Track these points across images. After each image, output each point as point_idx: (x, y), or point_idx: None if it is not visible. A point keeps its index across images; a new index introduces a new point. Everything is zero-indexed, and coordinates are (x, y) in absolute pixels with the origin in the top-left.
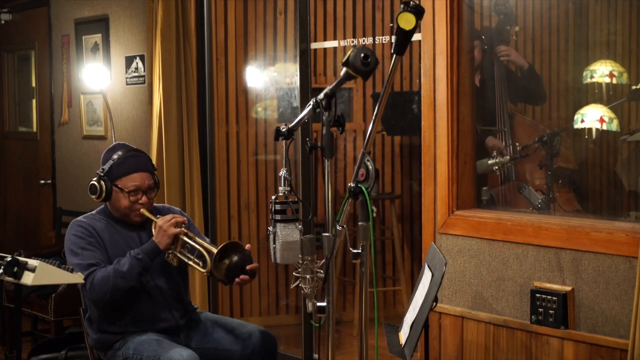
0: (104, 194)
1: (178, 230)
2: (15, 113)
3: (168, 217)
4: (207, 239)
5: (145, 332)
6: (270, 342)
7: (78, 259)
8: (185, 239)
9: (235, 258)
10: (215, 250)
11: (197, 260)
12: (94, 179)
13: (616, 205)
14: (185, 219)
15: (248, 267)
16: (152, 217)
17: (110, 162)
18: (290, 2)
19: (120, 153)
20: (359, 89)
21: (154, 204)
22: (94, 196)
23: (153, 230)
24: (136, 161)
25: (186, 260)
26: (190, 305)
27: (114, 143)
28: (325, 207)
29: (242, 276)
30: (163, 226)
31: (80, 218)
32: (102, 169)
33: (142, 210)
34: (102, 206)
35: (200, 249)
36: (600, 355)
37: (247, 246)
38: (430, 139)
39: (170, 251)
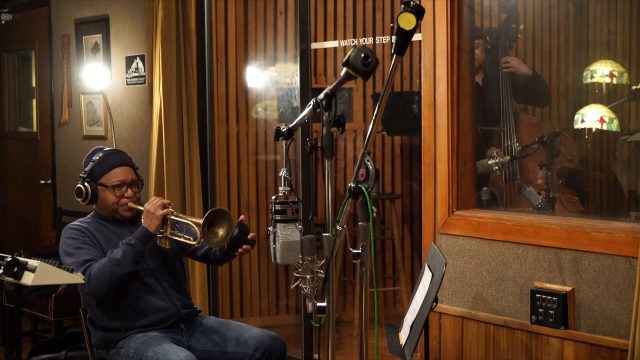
0: (89, 196)
1: (166, 211)
2: (16, 113)
3: (154, 200)
4: None
5: (148, 331)
6: (280, 346)
7: (73, 258)
8: (174, 217)
9: (236, 231)
10: (201, 220)
11: (187, 237)
12: (78, 182)
13: (616, 206)
14: (170, 201)
15: (249, 236)
16: (139, 207)
17: (91, 163)
18: (291, 2)
19: (100, 154)
20: (359, 89)
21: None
22: (80, 199)
23: (143, 221)
24: (116, 157)
25: (177, 239)
26: (190, 299)
27: (93, 148)
28: (325, 207)
29: (244, 246)
30: (150, 209)
31: (72, 223)
32: (85, 171)
33: (129, 203)
34: (93, 212)
35: (190, 222)
36: (600, 355)
37: (242, 217)
38: (431, 139)
39: (160, 235)
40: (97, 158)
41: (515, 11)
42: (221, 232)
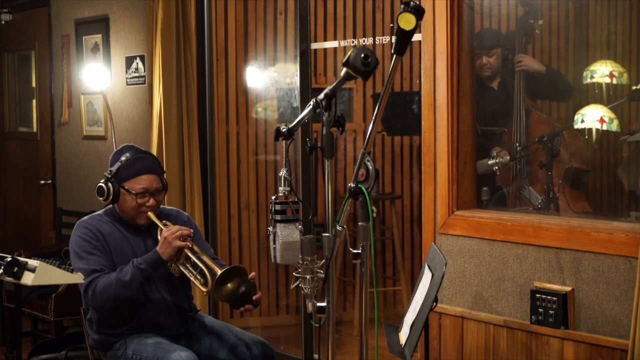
0: (111, 196)
1: (183, 243)
2: (16, 113)
3: (174, 228)
4: (210, 249)
5: (146, 333)
6: (268, 354)
7: (82, 263)
8: (190, 254)
9: (242, 288)
10: (218, 272)
11: (199, 277)
12: (102, 180)
13: (616, 206)
14: (191, 231)
15: (254, 297)
16: (159, 223)
17: (118, 163)
18: (290, 2)
19: (128, 155)
20: (359, 89)
21: (163, 207)
22: (101, 198)
23: (159, 236)
24: (144, 163)
25: (188, 275)
26: (191, 311)
27: (122, 145)
28: (325, 207)
29: (247, 306)
30: (168, 237)
31: (86, 219)
32: (110, 170)
33: (149, 213)
34: (109, 209)
35: (203, 267)
36: (600, 355)
37: (252, 274)
38: (431, 139)
39: (172, 262)
40: (125, 159)
41: (536, 5)
42: (230, 285)
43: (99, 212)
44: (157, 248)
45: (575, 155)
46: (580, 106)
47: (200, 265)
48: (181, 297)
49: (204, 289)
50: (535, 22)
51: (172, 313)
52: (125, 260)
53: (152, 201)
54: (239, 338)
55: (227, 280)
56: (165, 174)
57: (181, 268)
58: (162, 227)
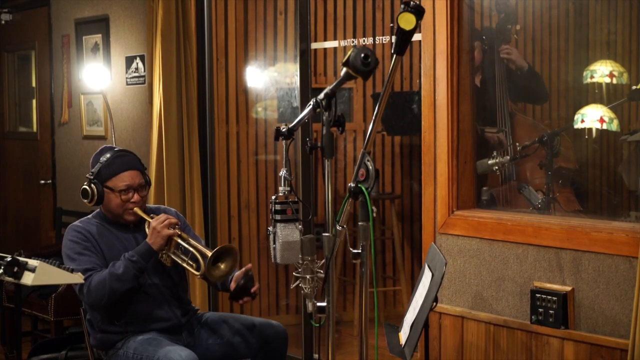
0: (95, 197)
1: (171, 231)
2: (16, 113)
3: (161, 217)
4: (202, 241)
5: (147, 332)
6: (280, 333)
7: (75, 264)
8: (179, 240)
9: (242, 282)
10: (209, 253)
11: (190, 262)
12: (85, 183)
13: (616, 205)
14: (178, 220)
15: (253, 289)
16: (146, 217)
17: (99, 164)
18: (291, 2)
19: (108, 155)
20: (359, 89)
21: (149, 205)
22: (86, 200)
23: (147, 229)
24: (125, 160)
25: (180, 262)
26: (190, 304)
27: (101, 147)
28: (325, 207)
29: (245, 298)
30: (156, 227)
31: (76, 223)
32: (92, 172)
33: (135, 209)
34: (98, 210)
35: (194, 251)
36: (600, 355)
37: (249, 265)
38: (431, 139)
39: (164, 252)
40: (105, 159)
41: (512, 11)
42: (223, 266)
43: (88, 216)
44: (147, 239)
45: (564, 155)
46: (580, 106)
47: (191, 249)
48: (178, 288)
49: (197, 273)
50: (512, 28)
51: (170, 303)
52: (117, 257)
53: (136, 197)
54: (247, 321)
55: (220, 260)
56: (146, 170)
57: (173, 257)
58: (150, 220)
